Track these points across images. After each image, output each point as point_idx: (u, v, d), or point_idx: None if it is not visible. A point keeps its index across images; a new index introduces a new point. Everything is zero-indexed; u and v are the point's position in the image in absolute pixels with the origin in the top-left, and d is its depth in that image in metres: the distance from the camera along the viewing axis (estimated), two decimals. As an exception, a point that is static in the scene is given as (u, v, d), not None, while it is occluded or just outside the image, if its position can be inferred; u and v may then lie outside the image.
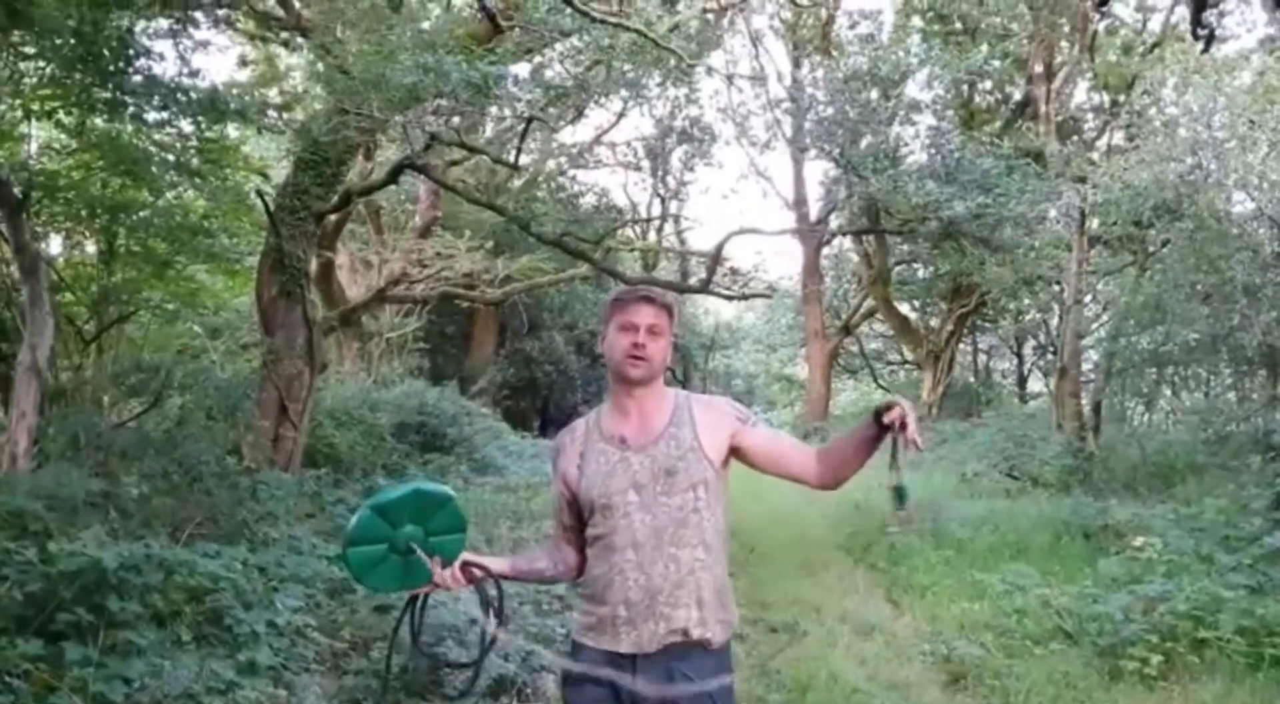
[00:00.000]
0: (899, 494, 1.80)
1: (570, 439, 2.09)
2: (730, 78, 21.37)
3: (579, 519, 2.05)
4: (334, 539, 5.82)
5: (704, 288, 12.01)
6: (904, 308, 22.63)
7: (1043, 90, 14.31)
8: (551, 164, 16.87)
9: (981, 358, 25.89)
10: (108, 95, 6.07)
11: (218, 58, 42.59)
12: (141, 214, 8.25)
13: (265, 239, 8.40)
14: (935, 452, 14.81)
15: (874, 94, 15.39)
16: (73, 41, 5.56)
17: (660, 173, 20.32)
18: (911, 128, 16.36)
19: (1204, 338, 10.60)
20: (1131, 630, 4.62)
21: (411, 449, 11.21)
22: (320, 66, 7.74)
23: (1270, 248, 9.85)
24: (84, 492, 4.82)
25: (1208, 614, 4.61)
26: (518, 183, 14.59)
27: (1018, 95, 19.18)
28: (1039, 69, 14.58)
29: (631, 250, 19.61)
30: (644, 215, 21.99)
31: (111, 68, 5.81)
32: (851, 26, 18.52)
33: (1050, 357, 20.00)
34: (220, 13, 8.22)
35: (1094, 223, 12.53)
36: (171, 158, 7.46)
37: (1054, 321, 19.53)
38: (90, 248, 9.24)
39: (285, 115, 9.27)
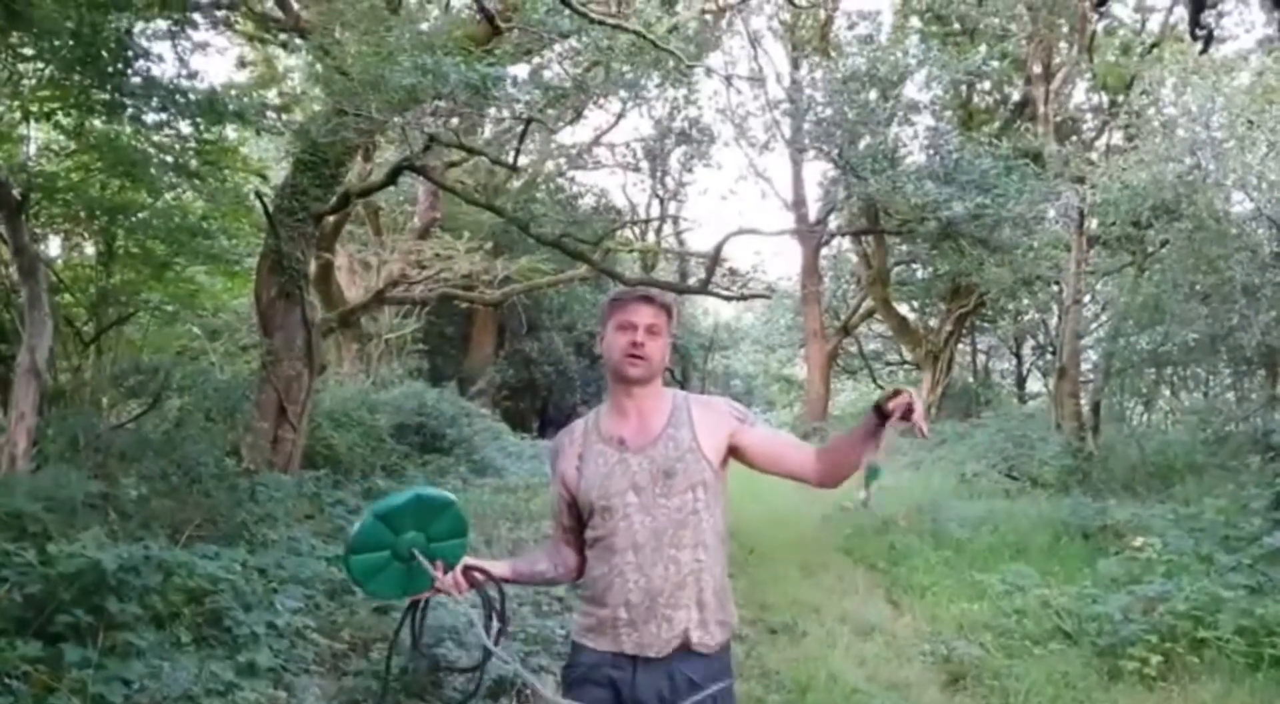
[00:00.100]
0: (871, 473, 1.80)
1: (569, 440, 2.08)
2: (729, 79, 21.38)
3: (578, 521, 2.05)
4: (333, 540, 5.82)
5: (703, 288, 12.01)
6: (903, 308, 22.66)
7: (1041, 91, 14.33)
8: (550, 165, 16.87)
9: (980, 358, 25.92)
10: (106, 97, 6.06)
11: (216, 59, 42.51)
12: (140, 215, 8.24)
13: (264, 240, 8.40)
14: (934, 452, 14.83)
15: (873, 95, 15.42)
16: (71, 43, 5.56)
17: (659, 174, 20.35)
18: (910, 128, 16.41)
19: (1203, 338, 10.62)
20: (1131, 630, 4.62)
21: (411, 450, 11.21)
22: (319, 68, 7.74)
23: (1269, 248, 9.87)
24: (83, 493, 4.81)
25: (1207, 614, 4.61)
26: (516, 184, 14.60)
27: (1016, 96, 19.22)
28: (1037, 69, 14.60)
29: (630, 251, 19.62)
30: (643, 216, 22.01)
31: (110, 69, 5.81)
32: (850, 27, 18.58)
33: (1049, 357, 20.04)
34: (219, 14, 8.22)
35: (1093, 223, 12.55)
36: (170, 159, 7.45)
37: (1053, 322, 19.57)
38: (89, 249, 9.24)
39: (284, 116, 9.29)
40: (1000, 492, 10.62)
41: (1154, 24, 16.53)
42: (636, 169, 19.31)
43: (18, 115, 7.09)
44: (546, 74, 11.18)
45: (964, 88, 19.10)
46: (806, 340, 23.57)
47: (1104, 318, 17.60)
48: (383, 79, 6.70)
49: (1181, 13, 13.80)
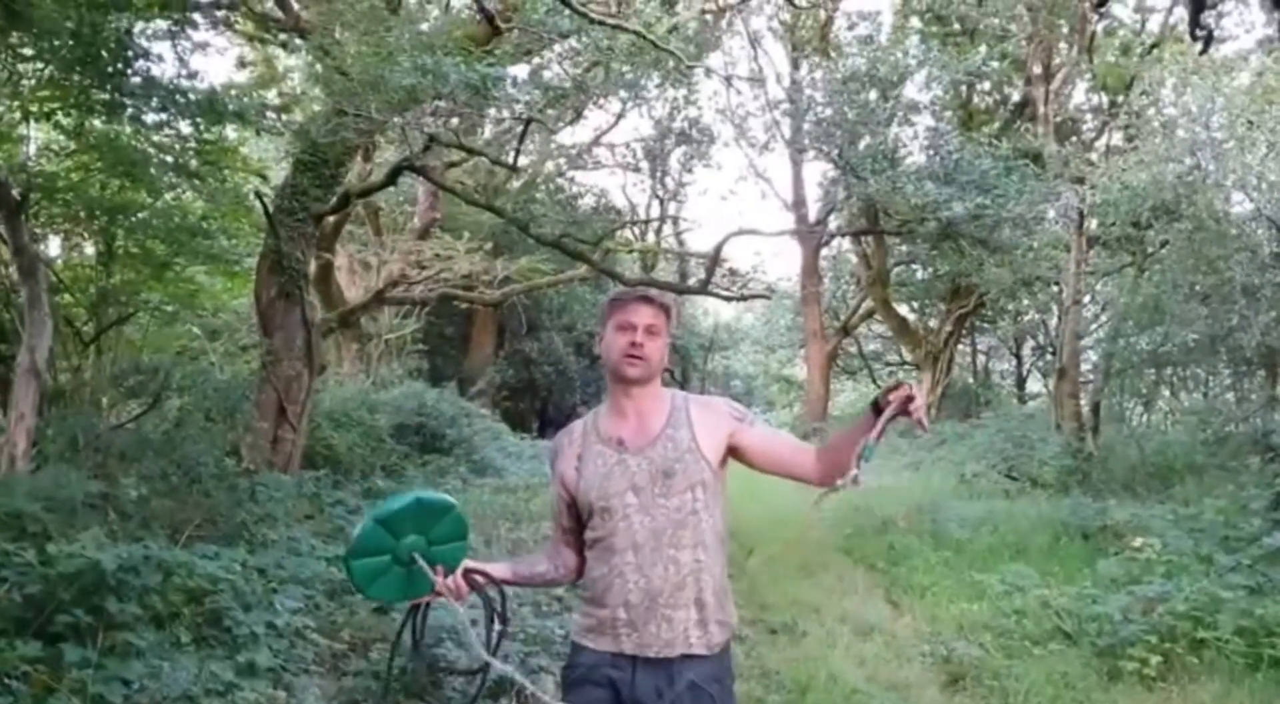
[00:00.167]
0: (863, 453, 1.79)
1: (568, 441, 2.08)
2: (729, 79, 21.38)
3: (578, 521, 2.05)
4: (333, 541, 5.82)
5: (703, 289, 12.02)
6: (903, 309, 22.66)
7: (1041, 91, 14.32)
8: (550, 165, 16.87)
9: (980, 359, 25.92)
10: (106, 97, 6.06)
11: (216, 59, 42.52)
12: (140, 215, 8.24)
13: (264, 240, 8.40)
14: (934, 452, 14.83)
15: (872, 95, 15.43)
16: (71, 43, 5.56)
17: (659, 174, 20.36)
18: (910, 129, 16.43)
19: (1202, 338, 10.62)
20: (1130, 631, 4.62)
21: (410, 450, 11.21)
22: (319, 68, 7.74)
23: (1269, 248, 9.86)
24: (83, 493, 4.81)
25: (1207, 615, 4.61)
26: (516, 184, 14.60)
27: (1016, 96, 19.22)
28: (1037, 70, 14.60)
29: (630, 251, 19.62)
30: (643, 216, 22.01)
31: (110, 69, 5.81)
32: (850, 27, 18.60)
33: (1049, 357, 20.04)
34: (219, 14, 8.22)
35: (1092, 223, 12.55)
36: (170, 159, 7.45)
37: (1053, 322, 19.56)
38: (89, 249, 9.24)
39: (284, 117, 9.29)
40: (1000, 492, 10.61)
41: (1154, 24, 16.57)
42: (636, 169, 19.33)
43: (18, 115, 7.09)
44: (546, 74, 11.19)
45: (964, 88, 19.11)
46: (806, 341, 23.57)
47: (1104, 318, 17.60)
48: (383, 79, 6.70)
49: (1181, 13, 13.82)
